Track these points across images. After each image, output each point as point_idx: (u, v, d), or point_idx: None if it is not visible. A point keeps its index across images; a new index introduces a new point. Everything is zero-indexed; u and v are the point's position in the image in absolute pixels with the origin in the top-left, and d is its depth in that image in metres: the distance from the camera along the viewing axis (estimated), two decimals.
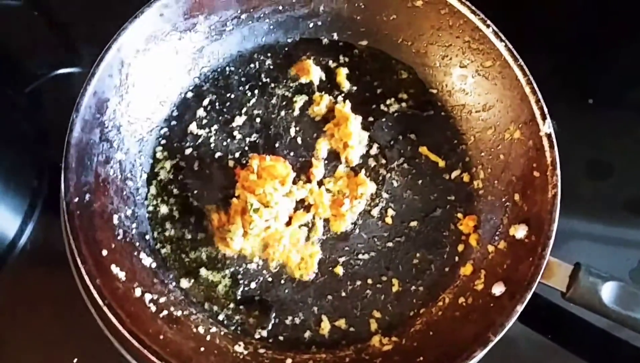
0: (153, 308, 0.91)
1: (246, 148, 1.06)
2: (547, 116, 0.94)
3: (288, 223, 1.01)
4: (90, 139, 0.94)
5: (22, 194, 1.08)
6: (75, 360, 0.97)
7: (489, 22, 0.99)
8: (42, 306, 1.01)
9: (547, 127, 0.94)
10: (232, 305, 0.97)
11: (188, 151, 1.05)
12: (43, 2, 1.23)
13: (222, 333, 0.95)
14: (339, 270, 0.99)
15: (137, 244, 0.97)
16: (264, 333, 0.96)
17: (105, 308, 0.84)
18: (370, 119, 1.08)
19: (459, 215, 1.03)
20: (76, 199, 0.89)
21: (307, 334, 0.96)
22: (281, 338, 0.96)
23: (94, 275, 0.86)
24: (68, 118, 0.94)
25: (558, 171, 0.92)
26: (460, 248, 1.01)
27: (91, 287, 0.84)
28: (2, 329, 1.00)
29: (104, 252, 0.90)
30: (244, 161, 1.04)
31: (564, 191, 0.91)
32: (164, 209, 1.01)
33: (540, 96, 0.95)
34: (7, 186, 1.08)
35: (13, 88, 1.15)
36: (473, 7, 1.00)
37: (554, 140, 0.93)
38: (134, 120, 1.02)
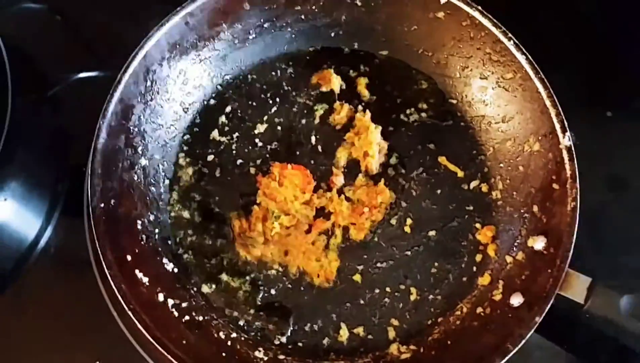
0: (176, 313, 0.93)
1: (267, 156, 1.07)
2: (567, 129, 0.95)
3: (308, 231, 1.02)
4: (116, 145, 0.96)
5: (43, 196, 1.09)
6: (97, 362, 0.98)
7: (510, 34, 1.00)
8: (63, 309, 1.02)
9: (567, 140, 0.94)
10: (252, 311, 0.98)
11: (210, 158, 1.06)
12: (65, 6, 1.23)
13: (242, 338, 0.96)
14: (358, 278, 1.00)
15: (160, 249, 0.99)
16: (283, 339, 0.97)
17: (130, 313, 0.85)
18: (391, 128, 1.09)
19: (477, 225, 1.04)
20: (102, 205, 0.91)
21: (326, 341, 0.97)
22: (300, 344, 0.97)
23: (119, 279, 0.87)
24: (89, 122, 0.95)
25: (577, 184, 0.92)
26: (478, 258, 1.02)
27: (117, 292, 0.86)
28: (22, 331, 1.01)
29: (129, 257, 0.92)
30: (265, 169, 1.05)
31: (582, 203, 0.91)
32: (185, 214, 1.03)
33: (560, 109, 0.96)
34: (28, 189, 1.08)
35: (35, 92, 1.16)
36: (495, 20, 1.00)
37: (574, 153, 0.94)
38: (158, 126, 1.04)
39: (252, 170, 1.06)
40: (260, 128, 1.09)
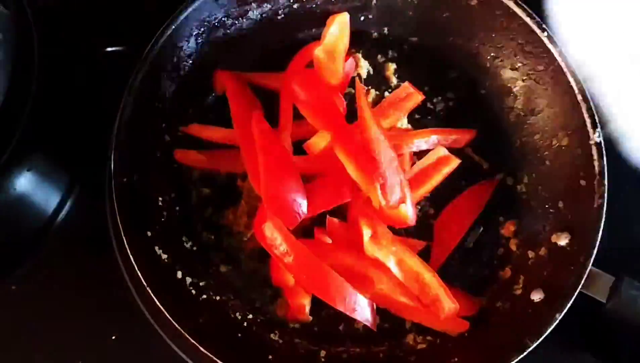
0: (193, 292, 0.93)
1: None
2: (598, 125, 0.93)
3: None
4: (140, 121, 0.95)
5: (65, 170, 1.10)
6: (114, 337, 0.99)
7: (544, 25, 0.98)
8: (80, 282, 1.03)
9: (597, 136, 0.92)
10: (268, 293, 0.98)
11: None
12: None
13: (258, 320, 0.96)
14: None
15: (180, 227, 0.99)
16: (297, 325, 0.96)
17: (148, 289, 0.85)
18: (417, 116, 1.08)
19: (501, 219, 1.03)
20: (124, 179, 0.91)
21: (342, 327, 0.97)
22: (316, 329, 0.97)
23: (139, 254, 0.87)
24: (115, 96, 0.95)
25: (605, 181, 0.91)
26: (500, 251, 1.01)
27: (135, 267, 0.86)
28: (39, 303, 1.02)
29: (149, 233, 0.92)
30: None
31: (608, 200, 0.90)
32: (206, 193, 1.02)
33: (591, 104, 0.94)
34: (51, 161, 1.08)
35: (62, 65, 1.15)
36: (529, 10, 0.98)
37: (604, 150, 0.92)
38: (183, 103, 1.03)
39: None
40: None
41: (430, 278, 0.92)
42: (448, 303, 0.90)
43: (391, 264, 0.92)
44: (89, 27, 1.20)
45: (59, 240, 1.06)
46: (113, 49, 1.18)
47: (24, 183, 1.01)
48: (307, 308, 0.95)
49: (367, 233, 0.93)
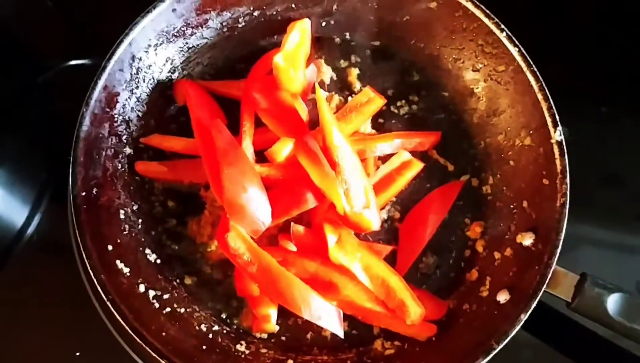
0: (157, 305, 0.92)
1: None
2: (559, 124, 0.93)
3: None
4: (100, 133, 0.94)
5: (30, 185, 1.08)
6: (78, 353, 0.97)
7: (503, 26, 0.98)
8: (47, 298, 1.02)
9: (558, 134, 0.92)
10: (234, 304, 0.97)
11: None
12: None
13: (224, 331, 0.95)
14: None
15: (143, 239, 0.98)
16: (265, 334, 0.96)
17: (108, 303, 0.84)
18: (380, 120, 1.08)
19: (467, 220, 1.03)
20: (84, 193, 0.90)
21: (309, 335, 0.96)
22: (283, 338, 0.96)
23: (99, 269, 0.86)
24: (79, 110, 0.93)
25: (567, 180, 0.91)
26: (467, 253, 1.01)
27: (95, 282, 0.85)
28: (6, 318, 1.00)
29: (109, 247, 0.90)
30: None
31: (573, 199, 0.90)
32: (170, 205, 1.01)
33: (552, 103, 0.94)
34: (15, 177, 1.08)
35: (25, 78, 1.15)
36: (487, 11, 0.99)
37: (565, 148, 0.92)
38: (143, 115, 1.02)
39: None
40: None
41: (396, 282, 0.91)
42: (414, 308, 0.90)
43: (357, 270, 0.92)
44: (52, 41, 1.19)
45: (27, 255, 1.04)
46: (76, 62, 1.17)
47: None
48: (273, 318, 0.94)
49: (331, 239, 0.92)
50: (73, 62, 1.17)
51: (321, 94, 0.98)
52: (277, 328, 0.95)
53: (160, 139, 1.02)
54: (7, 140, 1.02)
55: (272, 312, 0.94)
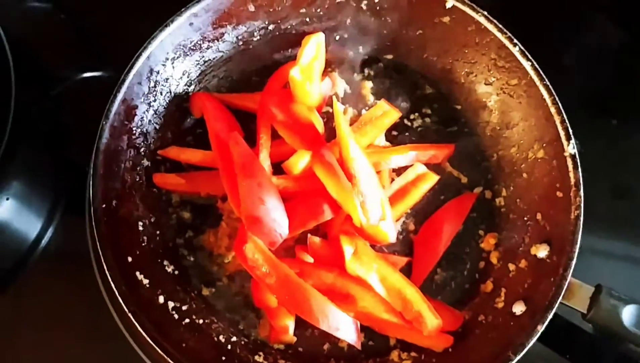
0: (176, 316, 0.92)
1: None
2: (572, 137, 0.94)
3: None
4: (119, 145, 0.95)
5: (45, 196, 1.09)
6: None
7: (515, 40, 0.99)
8: (63, 309, 1.02)
9: (571, 148, 0.93)
10: (252, 315, 0.98)
11: None
12: (71, 6, 1.22)
13: (242, 342, 0.95)
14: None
15: (161, 251, 0.98)
16: (282, 345, 0.96)
17: (130, 315, 0.85)
18: (394, 133, 1.09)
19: (481, 232, 1.04)
20: (103, 206, 0.90)
21: (326, 346, 0.97)
22: (300, 349, 0.96)
23: (120, 281, 0.86)
24: (93, 122, 0.95)
25: (581, 192, 0.91)
26: (481, 265, 1.02)
27: (117, 293, 0.85)
28: (22, 331, 1.01)
29: (129, 259, 0.91)
30: None
31: (586, 211, 0.90)
32: (187, 216, 1.02)
33: (565, 117, 0.95)
34: (29, 189, 1.08)
35: (39, 90, 1.15)
36: (500, 25, 1.00)
37: (578, 161, 0.93)
38: (161, 127, 1.03)
39: None
40: None
41: (412, 294, 0.92)
42: (431, 319, 0.91)
43: (373, 281, 0.93)
44: (65, 54, 1.20)
45: (41, 267, 1.04)
46: (89, 74, 1.17)
47: (4, 211, 1.01)
48: (291, 329, 0.94)
49: (348, 250, 0.93)
50: (86, 74, 1.18)
51: (338, 107, 0.99)
52: (294, 339, 0.96)
53: (178, 152, 1.03)
54: (21, 153, 1.02)
55: (290, 323, 0.94)
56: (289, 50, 1.12)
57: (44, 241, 1.06)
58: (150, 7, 1.17)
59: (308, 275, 0.93)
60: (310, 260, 0.96)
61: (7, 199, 1.01)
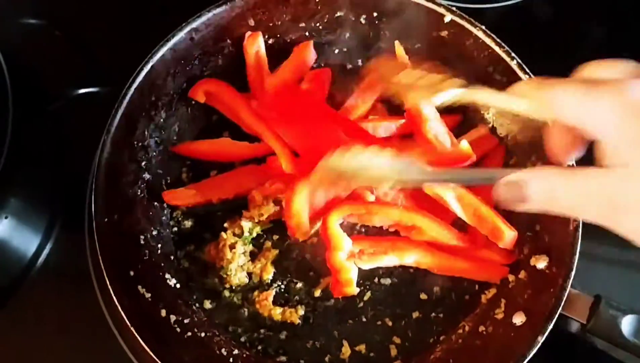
0: (178, 329, 0.93)
1: None
2: None
3: None
4: (120, 160, 0.96)
5: (43, 213, 1.09)
6: None
7: (513, 54, 1.00)
8: (62, 325, 1.02)
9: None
10: (253, 328, 0.98)
11: (213, 173, 1.06)
12: (66, 22, 1.22)
13: (244, 355, 0.96)
14: (360, 295, 1.00)
15: (162, 264, 0.99)
16: (285, 357, 0.97)
17: (132, 329, 0.85)
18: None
19: None
20: (105, 219, 0.91)
21: (328, 358, 0.97)
22: (302, 361, 0.97)
23: (122, 295, 0.87)
24: (90, 137, 0.98)
25: None
26: None
27: (119, 307, 0.85)
28: (21, 349, 1.00)
29: (131, 272, 0.92)
30: None
31: (584, 221, 0.91)
32: (188, 230, 1.03)
33: None
34: (29, 206, 1.08)
35: (36, 107, 1.15)
36: (498, 39, 1.01)
37: None
38: (162, 141, 1.04)
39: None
40: None
41: (487, 210, 0.97)
42: (507, 231, 0.96)
43: (450, 199, 0.97)
44: (61, 70, 1.19)
45: (39, 283, 1.04)
46: (86, 90, 1.18)
47: (3, 229, 1.01)
48: (354, 281, 0.95)
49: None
50: (82, 90, 1.18)
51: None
52: (357, 290, 0.96)
53: (195, 146, 1.05)
54: (18, 169, 1.02)
55: (354, 275, 0.95)
56: None
57: (42, 258, 1.06)
58: (146, 22, 1.19)
59: (375, 213, 0.97)
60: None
61: (6, 217, 1.01)
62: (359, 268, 0.96)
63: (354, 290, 0.95)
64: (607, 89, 0.56)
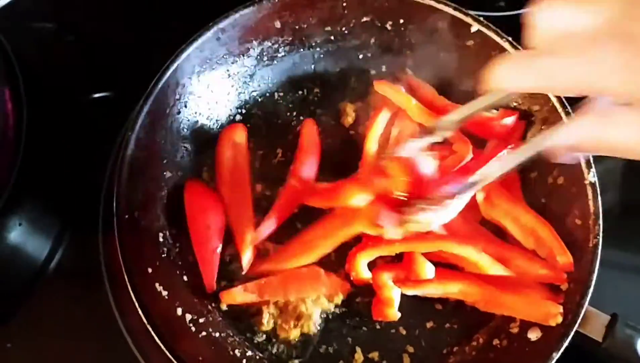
0: (193, 328, 0.93)
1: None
2: (592, 165, 0.94)
3: None
4: (142, 157, 0.96)
5: (55, 218, 1.09)
6: None
7: None
8: (72, 331, 1.02)
9: (592, 176, 0.94)
10: (266, 330, 0.98)
11: None
12: (78, 26, 1.23)
13: (257, 357, 0.96)
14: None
15: (180, 263, 0.99)
16: (297, 361, 0.97)
17: (148, 327, 0.85)
18: None
19: None
20: (126, 216, 0.91)
21: None
22: None
23: (139, 292, 0.87)
24: (102, 142, 1.00)
25: (600, 221, 0.92)
26: None
27: (136, 305, 0.86)
28: (34, 354, 1.00)
29: (149, 269, 0.92)
30: None
31: (603, 239, 0.91)
32: None
33: None
34: (42, 211, 1.08)
35: (47, 112, 1.15)
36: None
37: (598, 190, 0.93)
38: (184, 140, 1.04)
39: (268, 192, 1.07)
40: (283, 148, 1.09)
41: (545, 232, 0.96)
42: (563, 255, 0.94)
43: (507, 222, 0.99)
44: (73, 74, 1.20)
45: (51, 288, 1.04)
46: (99, 95, 1.18)
47: (17, 236, 1.01)
48: (397, 302, 0.96)
49: (480, 194, 0.98)
50: (95, 95, 1.19)
51: None
52: (398, 315, 0.96)
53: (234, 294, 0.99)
54: (32, 175, 1.01)
55: (397, 295, 0.95)
56: (312, 66, 1.14)
57: (53, 263, 1.06)
58: (158, 26, 1.21)
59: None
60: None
61: (20, 224, 1.01)
62: None
63: (396, 314, 0.96)
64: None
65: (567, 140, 0.60)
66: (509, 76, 0.57)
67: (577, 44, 0.52)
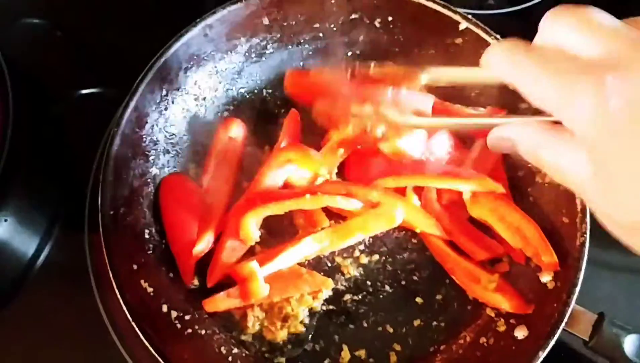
0: (178, 326, 0.92)
1: None
2: None
3: None
4: (128, 153, 0.96)
5: (43, 214, 1.08)
6: None
7: None
8: (58, 327, 1.01)
9: None
10: (252, 327, 0.98)
11: None
12: (66, 22, 1.22)
13: (243, 355, 0.95)
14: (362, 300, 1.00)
15: (166, 260, 0.98)
16: (283, 358, 0.96)
17: (133, 324, 0.84)
18: None
19: None
20: (111, 212, 0.90)
21: (327, 362, 0.97)
22: None
23: (124, 288, 0.86)
24: (90, 138, 0.99)
25: (588, 219, 0.92)
26: None
27: (121, 301, 0.85)
28: (20, 350, 1.00)
29: (135, 266, 0.91)
30: None
31: (590, 237, 0.91)
32: None
33: None
34: (29, 208, 1.07)
35: (36, 108, 1.14)
36: None
37: None
38: (171, 136, 1.04)
39: None
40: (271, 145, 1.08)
41: (531, 231, 0.96)
42: (547, 257, 0.93)
43: (493, 221, 0.98)
44: (62, 70, 1.19)
45: (39, 285, 1.04)
46: (87, 91, 1.17)
47: (3, 232, 1.01)
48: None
49: (467, 192, 0.98)
50: (84, 91, 1.17)
51: None
52: (267, 287, 0.93)
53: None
54: (19, 171, 1.00)
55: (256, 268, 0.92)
56: (301, 63, 1.13)
57: (40, 260, 1.05)
58: (148, 23, 1.20)
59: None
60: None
61: (6, 220, 1.01)
62: (364, 268, 0.98)
63: (264, 286, 0.92)
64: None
65: (508, 135, 0.61)
66: (494, 58, 0.57)
67: (562, 64, 0.51)
